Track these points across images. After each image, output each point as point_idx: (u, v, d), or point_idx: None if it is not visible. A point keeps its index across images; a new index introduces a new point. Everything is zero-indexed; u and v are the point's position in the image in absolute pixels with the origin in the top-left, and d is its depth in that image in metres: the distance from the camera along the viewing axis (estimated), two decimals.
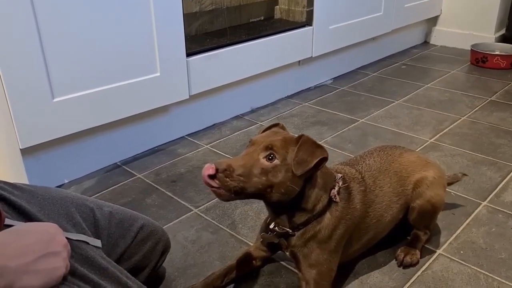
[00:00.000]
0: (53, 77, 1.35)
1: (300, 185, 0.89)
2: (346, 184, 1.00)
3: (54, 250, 0.58)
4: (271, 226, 0.98)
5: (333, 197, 0.95)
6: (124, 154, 1.69)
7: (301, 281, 0.99)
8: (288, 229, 0.95)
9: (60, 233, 0.61)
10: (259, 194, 0.86)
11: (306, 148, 0.86)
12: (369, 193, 1.04)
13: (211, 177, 0.81)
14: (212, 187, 0.82)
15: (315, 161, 0.86)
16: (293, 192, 0.88)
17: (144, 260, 0.95)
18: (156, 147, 1.78)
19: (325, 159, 0.88)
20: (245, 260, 1.10)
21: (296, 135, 0.90)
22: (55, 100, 1.37)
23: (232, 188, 0.82)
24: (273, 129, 0.96)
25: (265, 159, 0.85)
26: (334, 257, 0.99)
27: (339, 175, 0.99)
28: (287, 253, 1.01)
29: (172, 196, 1.47)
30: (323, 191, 0.94)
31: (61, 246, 0.59)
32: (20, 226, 0.61)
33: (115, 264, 0.75)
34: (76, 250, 0.68)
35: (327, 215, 0.95)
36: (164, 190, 1.50)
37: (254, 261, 1.11)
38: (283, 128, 0.99)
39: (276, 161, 0.85)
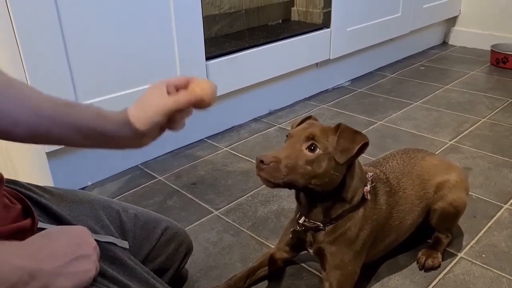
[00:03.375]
0: (77, 82, 1.38)
1: (342, 173, 0.90)
2: (373, 184, 1.00)
3: (84, 253, 0.59)
4: (301, 220, 0.98)
5: (365, 193, 0.96)
6: (145, 156, 1.71)
7: (324, 282, 1.00)
8: (319, 223, 0.96)
9: (89, 236, 0.63)
10: (304, 184, 0.87)
11: (346, 135, 0.87)
12: (394, 195, 1.05)
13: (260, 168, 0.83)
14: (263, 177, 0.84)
15: (357, 148, 0.87)
16: (336, 180, 0.90)
17: (168, 261, 0.96)
18: (176, 149, 1.81)
19: (366, 144, 0.89)
20: (267, 262, 1.10)
21: (333, 125, 0.92)
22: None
23: (280, 180, 0.84)
24: (308, 121, 0.97)
25: (307, 149, 0.86)
26: (358, 259, 0.99)
27: (370, 173, 1.00)
28: (311, 252, 1.01)
29: (193, 198, 1.49)
30: (361, 182, 0.96)
31: (91, 248, 0.61)
32: (52, 229, 0.63)
33: (142, 265, 0.77)
34: (105, 251, 0.70)
35: (359, 212, 0.96)
36: (185, 193, 1.52)
37: (276, 263, 1.11)
38: (315, 119, 1.00)
39: (318, 151, 0.86)
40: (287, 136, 0.92)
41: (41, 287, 0.53)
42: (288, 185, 0.86)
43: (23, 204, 0.64)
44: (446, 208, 1.11)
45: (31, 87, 0.67)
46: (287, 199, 1.45)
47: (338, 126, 0.89)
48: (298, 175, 0.85)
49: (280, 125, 2.01)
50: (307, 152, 0.86)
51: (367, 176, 0.99)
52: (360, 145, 0.87)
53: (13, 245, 0.53)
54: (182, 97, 0.71)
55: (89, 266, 0.60)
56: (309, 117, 1.00)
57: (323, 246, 0.97)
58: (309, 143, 0.86)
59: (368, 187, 0.96)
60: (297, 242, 1.04)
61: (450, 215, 1.12)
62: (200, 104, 0.73)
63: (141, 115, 0.70)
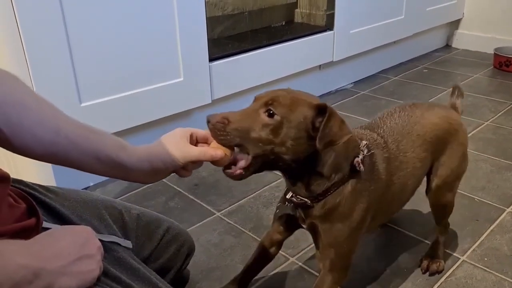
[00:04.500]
0: (80, 82, 1.39)
1: (308, 148, 0.80)
2: (370, 152, 0.90)
3: (89, 252, 0.60)
4: (288, 196, 0.91)
5: (356, 165, 0.85)
6: None
7: (319, 262, 0.95)
8: (306, 199, 0.87)
9: (93, 236, 0.63)
10: (263, 155, 0.79)
11: (333, 123, 0.78)
12: (393, 160, 0.96)
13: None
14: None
15: (342, 141, 0.79)
16: (300, 153, 0.81)
17: (170, 262, 0.97)
18: None
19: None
20: (261, 254, 1.06)
21: (315, 101, 0.82)
22: (83, 105, 1.41)
23: (228, 143, 0.77)
24: (286, 88, 0.87)
25: (265, 114, 0.78)
26: (355, 236, 0.92)
27: (364, 142, 0.90)
28: (305, 227, 0.95)
29: (195, 199, 1.49)
30: (343, 158, 0.86)
31: (95, 248, 0.61)
32: (56, 229, 0.63)
33: (145, 265, 0.77)
34: (108, 251, 0.70)
35: (348, 185, 0.87)
36: (186, 194, 1.52)
37: (271, 250, 1.06)
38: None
39: (276, 117, 0.77)
40: (254, 99, 0.84)
41: (45, 286, 0.53)
42: (244, 149, 0.78)
43: (27, 204, 0.64)
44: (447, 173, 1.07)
45: (56, 107, 0.69)
46: None
47: (325, 108, 0.79)
48: (252, 141, 0.77)
49: None
50: (264, 116, 0.78)
51: (361, 145, 0.89)
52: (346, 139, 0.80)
53: (18, 244, 0.54)
54: (209, 151, 0.76)
55: (93, 266, 0.60)
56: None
57: (316, 222, 0.90)
58: (266, 108, 0.78)
59: (360, 158, 0.86)
60: (289, 220, 0.98)
61: (449, 178, 1.09)
62: (217, 162, 0.78)
63: (166, 153, 0.75)
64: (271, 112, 0.77)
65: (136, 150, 0.74)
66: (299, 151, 0.80)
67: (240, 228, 1.34)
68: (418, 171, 1.02)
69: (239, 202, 1.46)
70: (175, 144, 0.76)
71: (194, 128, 0.82)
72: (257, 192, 1.51)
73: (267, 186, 1.54)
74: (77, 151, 0.67)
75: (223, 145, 0.77)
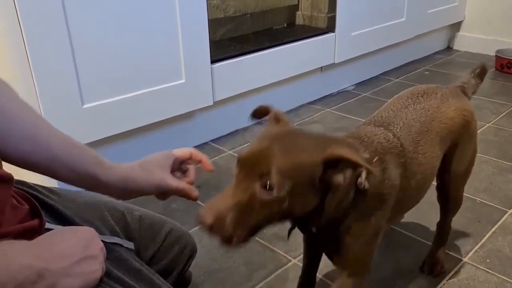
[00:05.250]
0: (82, 83, 1.39)
1: (316, 200, 0.70)
2: (383, 159, 0.79)
3: (92, 253, 0.59)
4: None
5: (360, 186, 0.71)
6: None
7: (337, 267, 0.89)
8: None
9: (96, 237, 0.63)
10: (266, 224, 0.70)
11: (347, 174, 0.67)
12: (411, 165, 0.85)
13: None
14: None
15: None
16: (306, 208, 0.71)
17: (172, 264, 0.96)
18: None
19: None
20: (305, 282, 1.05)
21: (319, 150, 0.67)
22: (85, 106, 1.41)
23: (233, 238, 0.65)
24: (270, 129, 0.76)
25: (262, 187, 0.64)
26: (373, 242, 0.85)
27: (371, 156, 0.78)
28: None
29: (197, 201, 1.48)
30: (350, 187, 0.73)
31: (98, 249, 0.61)
32: (59, 230, 0.63)
33: (148, 266, 0.77)
34: (111, 252, 0.70)
35: (357, 209, 0.77)
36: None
37: (311, 277, 1.05)
38: (277, 119, 0.80)
39: (277, 190, 0.64)
40: (237, 162, 0.68)
41: (48, 287, 0.53)
42: (251, 233, 0.69)
43: (30, 205, 0.64)
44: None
45: (40, 116, 0.68)
46: None
47: (337, 159, 0.66)
48: (254, 226, 0.67)
49: None
50: (261, 193, 0.64)
51: (371, 158, 0.77)
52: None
53: (21, 244, 0.54)
54: (186, 190, 0.81)
55: (96, 267, 0.60)
56: (265, 113, 0.83)
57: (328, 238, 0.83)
58: (261, 181, 0.64)
59: (362, 178, 0.69)
60: (312, 243, 0.97)
61: (463, 172, 1.08)
62: (190, 198, 0.84)
63: (144, 179, 0.76)
64: (269, 185, 0.64)
65: (114, 169, 0.73)
66: (305, 208, 0.71)
67: None
68: (435, 170, 0.97)
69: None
70: (155, 172, 0.77)
71: (177, 151, 0.84)
72: None
73: None
74: (55, 162, 0.67)
75: (228, 241, 0.66)
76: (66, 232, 0.61)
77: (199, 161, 0.87)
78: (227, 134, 1.96)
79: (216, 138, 1.92)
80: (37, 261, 0.53)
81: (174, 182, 0.79)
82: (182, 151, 0.85)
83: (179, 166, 0.86)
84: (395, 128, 0.88)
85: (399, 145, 0.85)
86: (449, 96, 1.01)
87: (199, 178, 1.62)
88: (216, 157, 1.77)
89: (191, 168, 0.88)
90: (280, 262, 1.18)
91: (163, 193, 0.82)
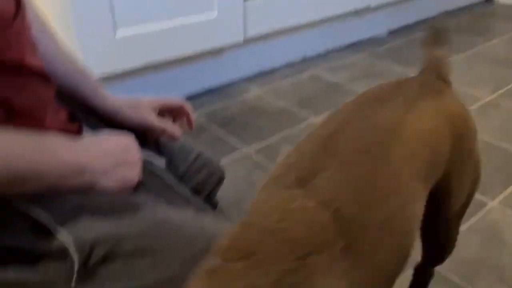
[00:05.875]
0: (117, 11, 1.38)
1: None
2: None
3: (130, 160, 0.60)
4: None
5: None
6: (176, 94, 1.72)
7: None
8: None
9: (136, 145, 0.63)
10: None
11: None
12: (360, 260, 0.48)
13: None
14: None
15: None
16: None
17: (199, 186, 0.97)
18: (209, 88, 1.80)
19: None
20: None
21: None
22: (117, 37, 1.41)
23: None
24: None
25: None
26: None
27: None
28: None
29: (223, 137, 1.49)
30: None
31: (136, 157, 0.62)
32: (101, 133, 0.63)
33: (180, 183, 0.78)
34: (145, 166, 0.70)
35: None
36: (215, 131, 1.52)
37: None
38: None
39: None
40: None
41: (88, 183, 0.54)
42: None
43: (69, 109, 0.65)
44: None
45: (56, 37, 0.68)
46: None
47: None
48: None
49: (313, 73, 1.97)
50: None
51: None
52: None
53: (65, 140, 0.54)
54: (166, 129, 0.80)
55: (133, 174, 0.60)
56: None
57: None
58: None
59: None
60: None
61: (459, 205, 0.72)
62: (173, 138, 0.83)
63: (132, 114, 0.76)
64: None
65: (108, 99, 0.74)
66: None
67: (268, 165, 1.34)
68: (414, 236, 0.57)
69: (268, 141, 1.46)
70: (142, 111, 0.77)
71: (168, 98, 0.83)
72: (286, 132, 1.51)
73: (296, 127, 1.54)
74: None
75: None
76: (108, 135, 0.61)
77: (186, 115, 0.86)
78: (257, 73, 1.93)
79: (246, 76, 1.90)
80: (80, 158, 0.54)
81: (157, 122, 0.79)
82: (173, 99, 0.84)
83: (167, 114, 0.85)
84: (322, 184, 0.49)
85: (325, 220, 0.46)
86: (420, 94, 0.63)
87: (226, 114, 1.63)
88: (245, 95, 1.76)
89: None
90: None
91: (146, 132, 0.81)
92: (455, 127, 0.63)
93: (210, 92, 1.77)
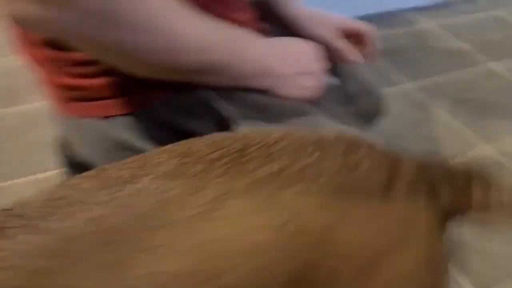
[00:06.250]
0: None
1: None
2: None
3: (314, 70, 0.57)
4: None
5: None
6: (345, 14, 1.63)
7: None
8: None
9: (322, 57, 0.60)
10: None
11: None
12: None
13: None
14: None
15: None
16: None
17: (361, 113, 0.94)
18: (384, 13, 1.65)
19: None
20: None
21: None
22: None
23: None
24: None
25: None
26: None
27: None
28: None
29: (387, 68, 1.41)
30: None
31: (319, 70, 0.58)
32: (290, 38, 0.60)
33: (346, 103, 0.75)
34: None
35: None
36: (380, 60, 1.43)
37: None
38: None
39: None
40: None
41: (268, 87, 0.53)
42: None
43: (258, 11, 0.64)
44: None
45: None
46: None
47: None
48: None
49: (498, 14, 1.73)
50: None
51: None
52: None
53: (256, 38, 0.53)
54: (344, 50, 0.72)
55: (314, 85, 0.58)
56: None
57: None
58: None
59: None
60: None
61: None
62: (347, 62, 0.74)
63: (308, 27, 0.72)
64: None
65: (290, 5, 0.72)
66: None
67: (429, 104, 1.24)
68: None
69: (431, 79, 1.35)
70: (319, 27, 0.72)
71: (349, 19, 0.75)
72: (454, 74, 1.37)
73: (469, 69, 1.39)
74: None
75: None
76: (295, 41, 0.59)
77: (368, 44, 0.76)
78: (435, 4, 1.75)
79: (425, 7, 1.73)
80: (266, 58, 0.53)
81: (336, 42, 0.72)
82: (360, 25, 0.76)
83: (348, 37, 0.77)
84: None
85: None
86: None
87: (395, 44, 1.50)
88: (420, 26, 1.63)
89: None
90: None
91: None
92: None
93: (383, 18, 1.62)
